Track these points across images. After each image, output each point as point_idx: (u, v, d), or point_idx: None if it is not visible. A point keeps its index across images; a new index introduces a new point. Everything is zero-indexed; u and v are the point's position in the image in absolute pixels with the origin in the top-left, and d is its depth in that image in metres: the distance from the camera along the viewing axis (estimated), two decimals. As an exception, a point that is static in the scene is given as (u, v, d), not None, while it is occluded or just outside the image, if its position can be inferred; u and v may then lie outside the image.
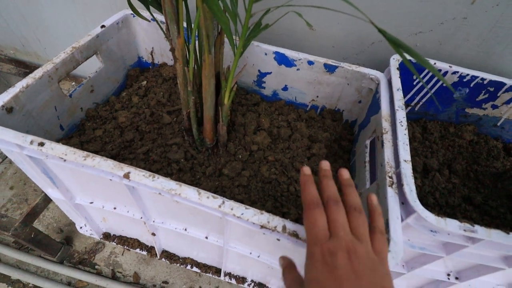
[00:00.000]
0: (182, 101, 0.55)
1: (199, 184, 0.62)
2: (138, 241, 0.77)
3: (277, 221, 0.40)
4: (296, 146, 0.70)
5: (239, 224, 0.41)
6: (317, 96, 0.81)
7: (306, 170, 0.41)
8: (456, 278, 0.62)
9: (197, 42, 0.51)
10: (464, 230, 0.42)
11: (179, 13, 0.41)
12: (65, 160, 0.43)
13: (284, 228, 0.39)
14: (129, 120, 0.68)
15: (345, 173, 0.41)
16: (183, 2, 0.43)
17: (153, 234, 0.66)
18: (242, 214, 0.40)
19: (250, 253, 0.59)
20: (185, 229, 0.60)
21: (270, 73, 0.78)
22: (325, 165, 0.42)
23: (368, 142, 0.65)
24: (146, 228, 0.63)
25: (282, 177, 0.64)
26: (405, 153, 0.50)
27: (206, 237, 0.60)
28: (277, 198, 0.61)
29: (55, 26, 1.11)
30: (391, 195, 0.46)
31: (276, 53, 0.73)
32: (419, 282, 0.72)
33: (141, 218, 0.59)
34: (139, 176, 0.42)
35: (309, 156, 0.70)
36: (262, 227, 0.39)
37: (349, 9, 0.48)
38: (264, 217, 0.40)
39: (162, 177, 0.42)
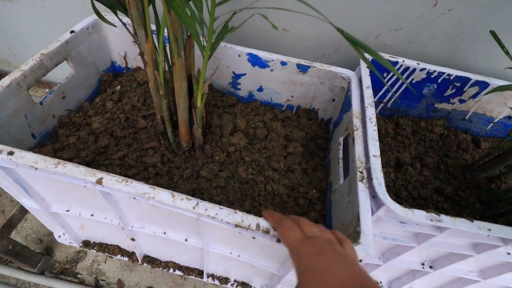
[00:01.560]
0: (155, 105, 0.55)
1: (176, 187, 0.62)
2: (119, 247, 0.77)
3: (250, 220, 0.40)
4: (272, 146, 0.71)
5: (215, 224, 0.42)
6: (292, 96, 0.82)
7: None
8: (430, 267, 0.65)
9: (167, 45, 0.51)
10: (431, 220, 0.44)
11: (145, 17, 0.42)
12: (36, 169, 0.42)
13: (257, 226, 0.40)
14: (103, 126, 0.67)
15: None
16: (150, 5, 0.43)
17: (133, 240, 0.65)
18: (216, 214, 0.40)
19: (230, 253, 0.59)
20: (165, 233, 0.60)
21: (245, 74, 0.79)
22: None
23: (341, 139, 0.67)
24: (125, 234, 0.62)
25: (259, 177, 0.65)
26: (374, 149, 0.52)
27: (186, 240, 0.60)
28: (255, 197, 0.62)
29: (25, 32, 1.08)
30: (362, 189, 0.47)
31: (250, 54, 0.74)
32: (397, 272, 0.74)
33: (119, 224, 0.58)
34: (112, 181, 0.41)
35: (286, 155, 0.71)
36: (236, 226, 0.40)
37: (313, 11, 0.49)
38: (238, 216, 0.41)
39: (136, 181, 0.42)
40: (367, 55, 0.76)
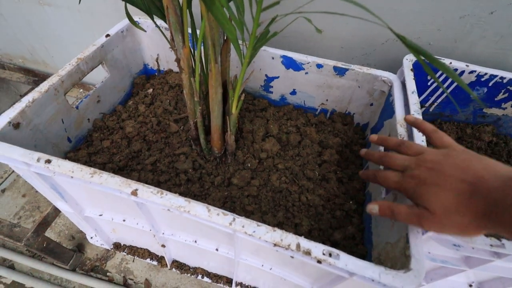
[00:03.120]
0: (188, 110, 0.54)
1: (208, 194, 0.61)
2: (148, 251, 0.77)
3: (290, 239, 0.38)
4: (306, 153, 0.68)
5: (250, 240, 0.40)
6: (327, 100, 0.78)
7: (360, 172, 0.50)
8: (478, 289, 0.59)
9: (203, 50, 0.50)
10: (491, 246, 0.39)
11: (183, 22, 0.40)
12: (72, 177, 0.42)
13: (298, 246, 0.37)
14: (136, 130, 0.67)
15: (372, 137, 0.50)
16: (188, 10, 0.41)
17: (163, 246, 0.64)
18: (254, 231, 0.38)
19: (262, 266, 0.57)
20: (195, 241, 0.59)
21: (278, 77, 0.76)
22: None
23: (382, 148, 0.63)
24: (156, 240, 0.62)
25: (293, 186, 0.62)
26: (423, 162, 0.48)
27: (217, 249, 0.58)
28: (289, 208, 0.60)
29: (62, 35, 1.12)
30: (410, 207, 0.43)
31: (284, 57, 0.71)
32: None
33: (150, 230, 0.58)
34: (147, 193, 0.40)
35: (320, 163, 0.68)
36: (275, 245, 0.38)
37: (357, 11, 0.45)
38: (277, 235, 0.38)
39: (171, 194, 0.41)
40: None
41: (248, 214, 0.58)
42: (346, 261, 0.37)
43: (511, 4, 0.67)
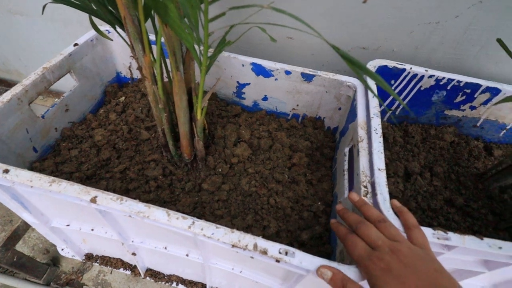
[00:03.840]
0: (155, 118, 0.55)
1: (178, 200, 0.61)
2: (121, 260, 0.76)
3: (248, 239, 0.39)
4: (276, 157, 0.70)
5: (213, 243, 0.41)
6: (297, 105, 0.81)
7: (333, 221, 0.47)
8: (442, 283, 0.62)
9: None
10: (438, 238, 0.42)
11: (142, 32, 0.41)
12: (31, 187, 0.42)
13: (255, 246, 0.38)
14: (105, 138, 0.67)
15: (354, 196, 0.47)
16: (150, 19, 0.42)
17: (134, 254, 0.64)
18: (212, 234, 0.39)
19: (232, 269, 0.58)
20: (165, 248, 0.59)
21: (249, 84, 0.78)
22: (339, 206, 0.48)
23: (347, 149, 0.65)
24: (125, 249, 0.62)
25: (262, 190, 0.64)
26: (379, 162, 0.50)
27: (187, 255, 0.59)
28: (258, 211, 0.61)
29: (35, 44, 1.10)
30: (366, 205, 0.45)
31: (253, 64, 0.73)
32: None
33: (119, 239, 0.58)
34: (106, 199, 0.41)
35: (290, 166, 0.70)
36: (233, 246, 0.39)
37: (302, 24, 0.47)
38: (235, 236, 0.39)
39: (130, 200, 0.41)
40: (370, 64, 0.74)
41: (217, 219, 0.59)
42: (301, 258, 0.38)
43: (460, 15, 0.71)
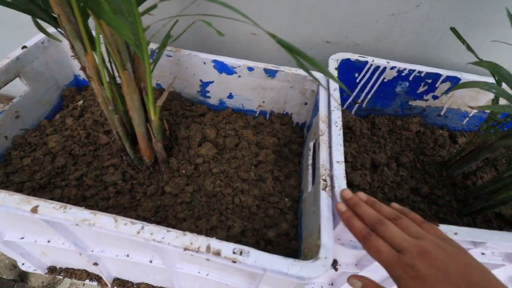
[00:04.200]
0: (108, 120, 0.52)
1: (139, 205, 0.59)
2: (86, 271, 0.73)
3: (200, 241, 0.37)
4: (242, 155, 0.69)
5: (164, 247, 0.39)
6: (264, 102, 0.80)
7: (341, 206, 0.42)
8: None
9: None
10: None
11: (81, 29, 0.39)
12: (-32, 199, 0.39)
13: (208, 247, 0.37)
14: (60, 144, 0.64)
15: (362, 195, 0.44)
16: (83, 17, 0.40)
17: (96, 264, 0.61)
18: (163, 238, 0.37)
19: (199, 272, 0.56)
20: (128, 255, 0.57)
21: (213, 82, 0.76)
22: (347, 194, 0.44)
23: (311, 144, 0.65)
24: (85, 259, 0.59)
25: (227, 189, 0.62)
26: (338, 154, 0.49)
27: (151, 261, 0.56)
28: (222, 211, 0.59)
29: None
30: (324, 198, 0.45)
31: (215, 61, 0.71)
32: (376, 278, 0.72)
33: (76, 249, 0.55)
34: (48, 208, 0.38)
35: (256, 164, 0.68)
36: (185, 249, 0.37)
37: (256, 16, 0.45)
38: (187, 239, 0.38)
39: (75, 207, 0.39)
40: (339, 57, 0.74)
41: (180, 221, 0.57)
42: (256, 257, 0.37)
43: (417, 7, 0.72)
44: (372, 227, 0.39)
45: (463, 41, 0.60)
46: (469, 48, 0.58)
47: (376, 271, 0.62)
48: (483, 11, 0.71)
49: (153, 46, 0.70)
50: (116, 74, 0.49)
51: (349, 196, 0.43)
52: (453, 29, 0.61)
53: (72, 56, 0.42)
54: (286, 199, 0.64)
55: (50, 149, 0.63)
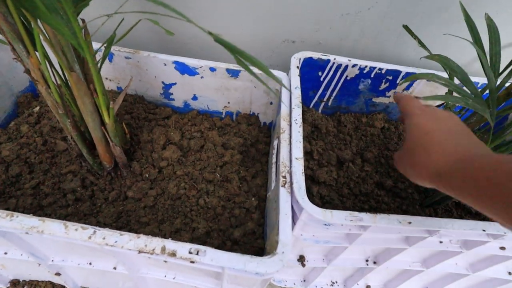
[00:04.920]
0: (62, 125, 0.51)
1: (100, 212, 0.57)
2: (51, 283, 0.70)
3: (155, 243, 0.37)
4: (207, 157, 0.68)
5: (118, 251, 0.38)
6: (229, 102, 0.80)
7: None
8: (374, 263, 0.64)
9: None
10: (351, 220, 0.42)
11: (20, 30, 0.37)
12: None
13: (163, 249, 0.36)
14: (15, 152, 0.61)
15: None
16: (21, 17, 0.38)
17: (58, 274, 0.59)
18: (116, 242, 0.36)
19: (165, 276, 0.55)
20: (90, 263, 0.55)
21: (175, 83, 0.75)
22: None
23: (275, 143, 0.65)
24: (46, 270, 0.56)
25: (191, 191, 0.62)
26: (297, 151, 0.50)
27: (115, 268, 0.55)
28: (187, 214, 0.59)
29: None
30: (283, 194, 0.45)
31: (176, 62, 0.70)
32: (347, 272, 0.73)
33: (35, 260, 0.52)
34: (-9, 218, 0.36)
35: (222, 165, 0.68)
36: (140, 252, 0.36)
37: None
38: (141, 241, 0.37)
39: (22, 215, 0.37)
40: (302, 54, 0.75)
41: (143, 226, 0.56)
42: (212, 256, 0.37)
43: (375, 5, 0.74)
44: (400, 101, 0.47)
45: (415, 37, 0.62)
46: (420, 43, 0.60)
47: (341, 265, 0.63)
48: (436, 8, 0.74)
49: (111, 48, 0.69)
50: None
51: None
52: (405, 27, 0.64)
53: (14, 58, 0.40)
54: (253, 198, 0.64)
55: (4, 158, 0.60)
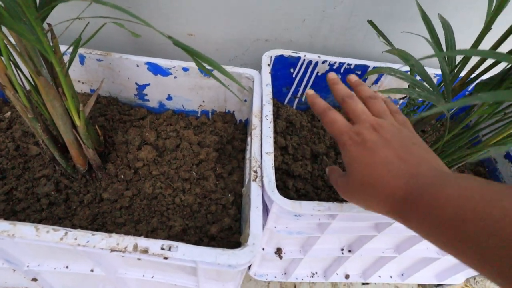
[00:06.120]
0: (32, 129, 0.50)
1: (75, 215, 0.57)
2: (29, 290, 0.69)
3: (127, 241, 0.38)
4: (183, 155, 0.69)
5: (90, 251, 0.39)
6: (204, 101, 0.80)
7: (309, 91, 0.46)
8: (349, 251, 0.67)
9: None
10: (319, 210, 0.44)
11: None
12: None
13: (135, 246, 0.37)
14: (-16, 159, 0.60)
15: (352, 77, 0.47)
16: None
17: (35, 280, 0.59)
18: (87, 242, 0.37)
19: (143, 276, 0.56)
20: (67, 267, 0.55)
21: (149, 84, 0.75)
22: (332, 74, 0.47)
23: (249, 139, 0.67)
24: (22, 276, 0.56)
25: (167, 190, 0.62)
26: (267, 146, 0.52)
27: (92, 270, 0.55)
28: (163, 212, 0.59)
29: None
30: (254, 188, 0.47)
31: (148, 63, 0.71)
32: (326, 262, 0.76)
33: (9, 266, 0.52)
34: (-41, 224, 0.36)
35: (198, 163, 0.69)
36: (112, 250, 0.37)
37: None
38: (113, 240, 0.38)
39: (-9, 220, 0.38)
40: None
41: (119, 226, 0.56)
42: (184, 251, 0.38)
43: (342, 2, 0.77)
44: (342, 101, 0.40)
45: (378, 32, 0.65)
46: (383, 36, 0.63)
47: (317, 255, 0.65)
48: (401, 6, 0.77)
49: (82, 50, 0.68)
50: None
51: (334, 77, 0.46)
52: (370, 22, 0.66)
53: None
54: (229, 195, 0.65)
55: (-27, 165, 0.59)
